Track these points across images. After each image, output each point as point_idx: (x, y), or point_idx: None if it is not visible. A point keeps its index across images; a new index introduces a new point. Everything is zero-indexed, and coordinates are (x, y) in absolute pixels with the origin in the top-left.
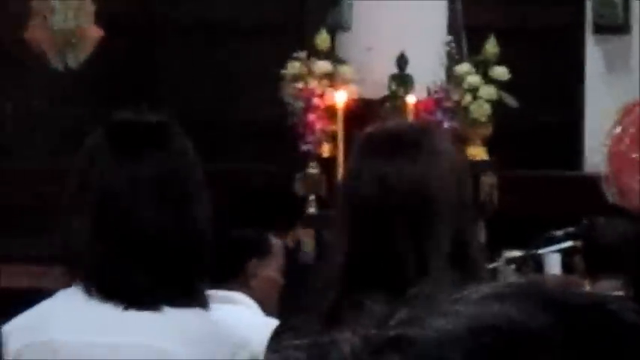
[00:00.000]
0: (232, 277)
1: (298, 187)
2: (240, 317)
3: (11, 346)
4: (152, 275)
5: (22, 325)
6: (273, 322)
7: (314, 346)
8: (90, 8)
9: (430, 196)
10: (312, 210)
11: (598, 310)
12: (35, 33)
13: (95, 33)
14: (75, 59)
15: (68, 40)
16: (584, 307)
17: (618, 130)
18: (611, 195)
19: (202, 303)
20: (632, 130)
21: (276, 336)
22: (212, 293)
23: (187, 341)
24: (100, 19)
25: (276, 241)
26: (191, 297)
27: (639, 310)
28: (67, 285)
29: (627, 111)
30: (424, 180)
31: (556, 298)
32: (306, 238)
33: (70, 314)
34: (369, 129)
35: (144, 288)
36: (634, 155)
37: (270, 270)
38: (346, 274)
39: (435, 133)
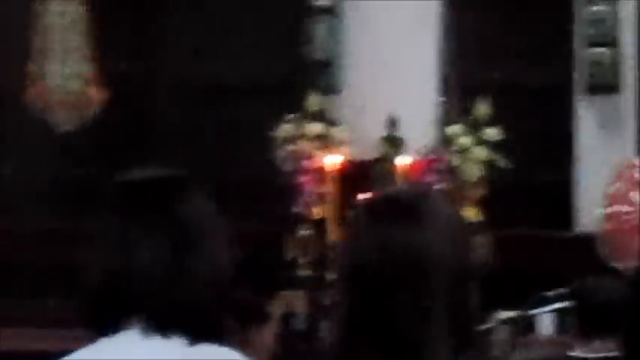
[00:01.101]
0: (229, 339)
1: (288, 249)
2: None
3: None
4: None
5: None
6: None
7: None
8: (90, 69)
9: (430, 262)
10: (302, 272)
11: None
12: (35, 95)
13: (97, 95)
14: (76, 121)
15: (69, 102)
16: None
17: (614, 189)
18: (605, 255)
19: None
20: (628, 189)
21: None
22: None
23: None
24: (101, 79)
25: (274, 308)
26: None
27: None
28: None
29: (624, 169)
30: (425, 246)
31: None
32: (297, 301)
33: (132, 354)
34: (371, 195)
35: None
36: (630, 215)
37: (266, 337)
38: (346, 340)
39: (435, 198)
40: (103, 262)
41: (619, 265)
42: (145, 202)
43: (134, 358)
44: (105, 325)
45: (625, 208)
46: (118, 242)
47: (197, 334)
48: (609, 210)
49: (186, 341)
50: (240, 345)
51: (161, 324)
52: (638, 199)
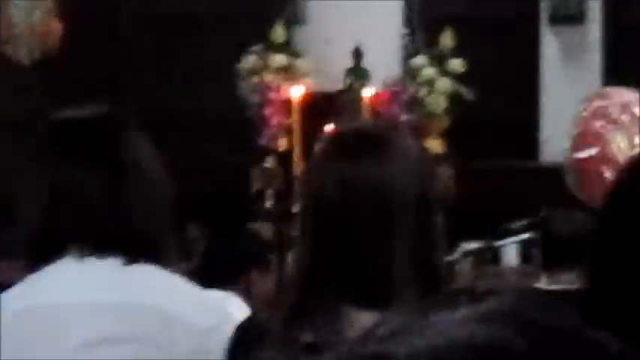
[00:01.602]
0: (233, 284)
1: (254, 181)
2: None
3: (5, 313)
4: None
5: (15, 294)
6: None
7: None
8: (50, 4)
9: (394, 197)
10: (269, 203)
11: (573, 334)
12: None
13: (59, 26)
14: (37, 53)
15: (30, 33)
16: (559, 330)
17: (583, 120)
18: (571, 186)
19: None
20: (596, 121)
21: (241, 332)
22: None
23: (182, 301)
24: (61, 14)
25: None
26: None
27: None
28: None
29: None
30: (388, 182)
31: (532, 321)
32: (265, 232)
33: (54, 279)
34: (332, 129)
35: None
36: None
37: (267, 284)
38: (310, 275)
39: (400, 132)
40: (40, 195)
41: (585, 196)
42: (81, 140)
43: (66, 279)
44: (45, 256)
45: (592, 153)
46: (54, 176)
47: (132, 256)
48: (576, 154)
49: (120, 262)
50: (241, 293)
51: (95, 247)
52: (606, 138)
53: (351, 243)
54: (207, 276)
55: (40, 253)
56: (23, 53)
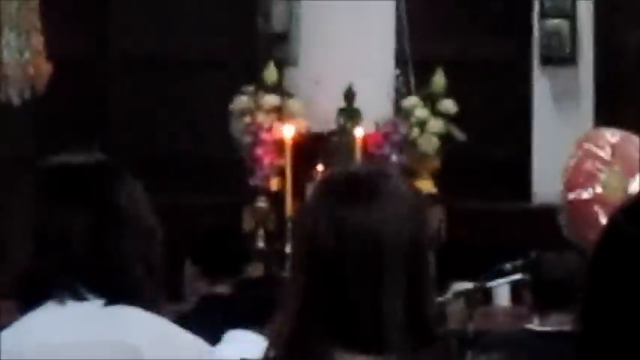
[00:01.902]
0: (260, 328)
1: (246, 221)
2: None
3: None
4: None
5: (4, 335)
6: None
7: None
8: (40, 44)
9: (387, 243)
10: (260, 244)
11: None
12: None
13: (46, 68)
14: (27, 93)
15: (22, 73)
16: None
17: (575, 160)
18: (564, 227)
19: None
20: (588, 162)
21: None
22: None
23: (156, 340)
24: (50, 54)
25: None
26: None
27: None
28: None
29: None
30: (381, 228)
31: None
32: (255, 274)
33: (41, 322)
34: (324, 171)
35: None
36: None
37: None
38: (301, 317)
39: (392, 176)
40: (31, 239)
41: (576, 239)
42: (75, 185)
43: (49, 322)
44: (32, 298)
45: (585, 195)
46: (44, 219)
47: (115, 298)
48: (569, 195)
49: (101, 304)
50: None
51: (78, 291)
52: (598, 179)
53: (343, 286)
54: (209, 319)
55: (27, 294)
56: (14, 93)
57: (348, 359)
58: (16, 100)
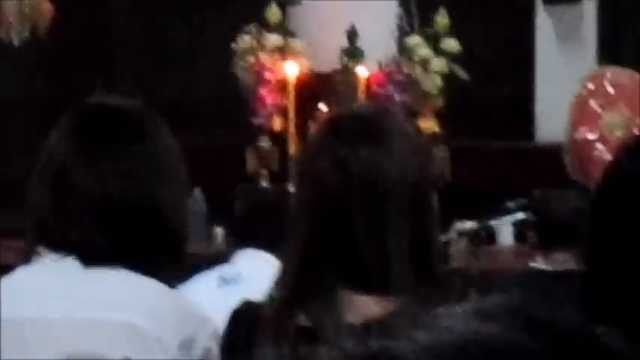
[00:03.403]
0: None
1: (249, 162)
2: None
3: None
4: (111, 237)
5: None
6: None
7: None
8: None
9: (391, 183)
10: (264, 184)
11: (584, 336)
12: None
13: (47, 8)
14: (27, 33)
15: (21, 14)
16: (571, 331)
17: (579, 100)
18: (568, 166)
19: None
20: (592, 102)
21: (236, 319)
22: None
23: (154, 316)
24: None
25: None
26: (153, 273)
27: (624, 336)
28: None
29: (592, 79)
30: (385, 167)
31: (542, 320)
32: None
33: (34, 289)
34: (329, 112)
35: (103, 246)
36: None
37: None
38: (307, 258)
39: (395, 116)
40: (52, 182)
41: (581, 177)
42: (109, 128)
43: (36, 290)
44: (47, 243)
45: (589, 134)
46: (71, 163)
47: (145, 255)
48: (575, 134)
49: (101, 267)
50: None
51: (97, 248)
52: (602, 118)
53: (348, 226)
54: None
55: (41, 239)
56: (14, 34)
57: (353, 299)
58: (16, 41)
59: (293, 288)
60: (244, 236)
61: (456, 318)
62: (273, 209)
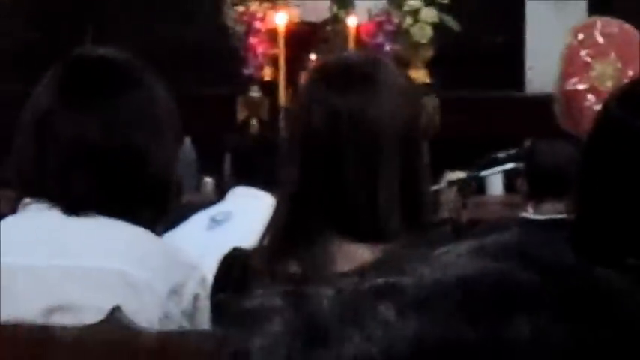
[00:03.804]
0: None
1: (240, 111)
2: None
3: None
4: (96, 187)
5: None
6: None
7: (291, 295)
8: None
9: (381, 131)
10: (253, 133)
11: (583, 274)
12: None
13: None
14: None
15: None
16: (570, 268)
17: (570, 50)
18: (559, 117)
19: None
20: (583, 52)
21: (226, 265)
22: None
23: (144, 263)
24: None
25: None
26: (138, 223)
27: (622, 274)
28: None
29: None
30: (376, 116)
31: (541, 258)
32: None
33: (19, 238)
34: (318, 60)
35: (86, 196)
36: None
37: None
38: (296, 206)
39: (386, 65)
40: (40, 131)
41: (571, 128)
42: (96, 81)
43: (24, 238)
44: (33, 193)
45: (579, 85)
46: (62, 114)
47: (131, 207)
48: (563, 85)
49: (92, 214)
50: None
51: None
52: (593, 68)
53: (338, 174)
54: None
55: (25, 189)
56: None
57: (344, 247)
58: None
59: (283, 235)
60: (236, 183)
61: (455, 254)
62: (263, 155)
